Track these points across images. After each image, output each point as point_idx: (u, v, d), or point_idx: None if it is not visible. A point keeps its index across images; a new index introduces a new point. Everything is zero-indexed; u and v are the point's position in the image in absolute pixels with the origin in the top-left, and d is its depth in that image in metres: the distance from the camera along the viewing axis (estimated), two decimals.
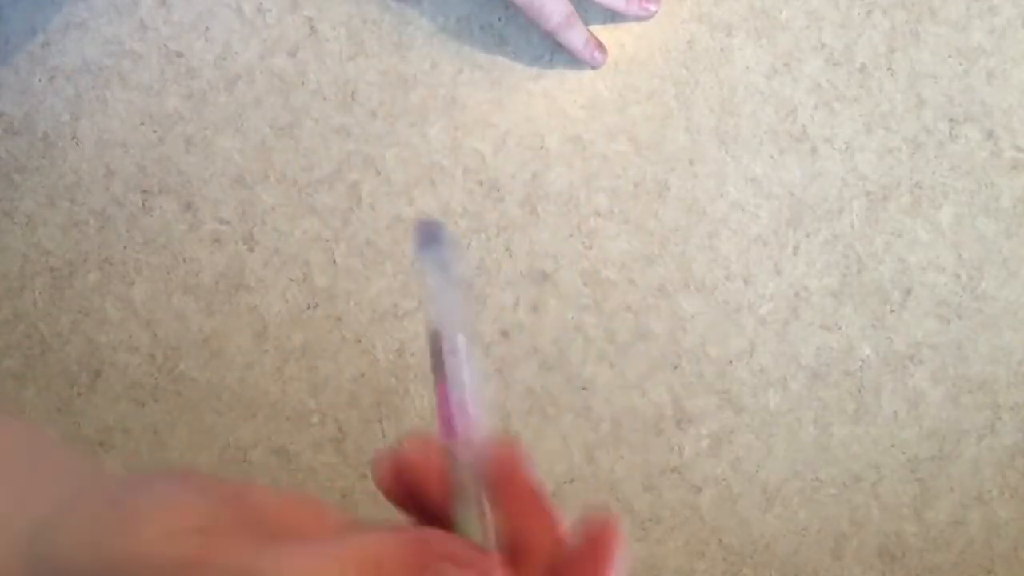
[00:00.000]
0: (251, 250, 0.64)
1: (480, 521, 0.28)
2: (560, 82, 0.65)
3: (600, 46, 0.64)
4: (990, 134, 0.65)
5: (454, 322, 0.29)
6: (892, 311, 0.64)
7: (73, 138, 0.64)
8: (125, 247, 0.64)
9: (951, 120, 0.65)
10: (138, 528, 0.26)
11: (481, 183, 0.64)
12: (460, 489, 0.28)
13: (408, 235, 0.64)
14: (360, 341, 0.64)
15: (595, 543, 0.29)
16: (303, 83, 0.65)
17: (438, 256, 0.29)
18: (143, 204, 0.64)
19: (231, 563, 0.25)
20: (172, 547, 0.26)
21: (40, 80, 0.65)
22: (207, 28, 0.65)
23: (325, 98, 0.65)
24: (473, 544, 0.28)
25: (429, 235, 0.30)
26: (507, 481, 0.28)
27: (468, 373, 0.29)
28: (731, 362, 0.64)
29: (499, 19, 0.65)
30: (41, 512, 0.29)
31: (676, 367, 0.64)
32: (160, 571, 0.25)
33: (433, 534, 0.28)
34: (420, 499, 0.29)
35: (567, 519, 0.30)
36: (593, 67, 0.65)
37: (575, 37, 0.63)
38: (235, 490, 0.29)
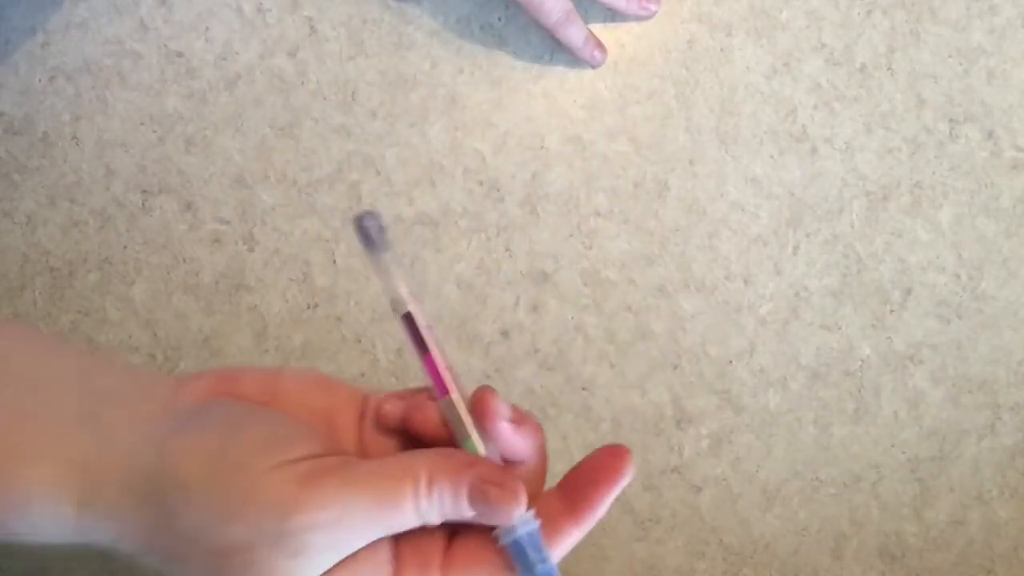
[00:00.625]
0: (251, 250, 0.64)
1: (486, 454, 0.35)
2: (560, 82, 0.65)
3: (600, 45, 0.64)
4: (990, 134, 0.65)
5: (416, 298, 0.35)
6: (892, 311, 0.64)
7: (73, 138, 0.64)
8: (125, 247, 0.64)
9: (951, 120, 0.65)
10: (254, 463, 0.32)
11: (481, 183, 0.64)
12: (461, 433, 0.34)
13: (405, 235, 0.64)
14: (360, 341, 0.64)
15: (605, 458, 0.35)
16: (303, 83, 0.65)
17: (381, 240, 0.34)
18: (143, 204, 0.64)
19: (331, 487, 0.31)
20: (286, 476, 0.31)
21: (40, 80, 0.65)
22: (207, 28, 0.65)
23: (325, 98, 0.65)
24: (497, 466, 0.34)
25: (367, 222, 0.34)
26: (490, 417, 0.35)
27: (436, 338, 0.35)
28: (731, 362, 0.64)
29: (499, 19, 0.65)
30: (137, 435, 0.34)
31: (676, 367, 0.64)
32: (281, 496, 0.31)
33: (470, 455, 0.34)
34: (413, 436, 0.36)
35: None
36: (593, 66, 0.65)
37: (574, 34, 0.63)
38: (274, 382, 0.36)
